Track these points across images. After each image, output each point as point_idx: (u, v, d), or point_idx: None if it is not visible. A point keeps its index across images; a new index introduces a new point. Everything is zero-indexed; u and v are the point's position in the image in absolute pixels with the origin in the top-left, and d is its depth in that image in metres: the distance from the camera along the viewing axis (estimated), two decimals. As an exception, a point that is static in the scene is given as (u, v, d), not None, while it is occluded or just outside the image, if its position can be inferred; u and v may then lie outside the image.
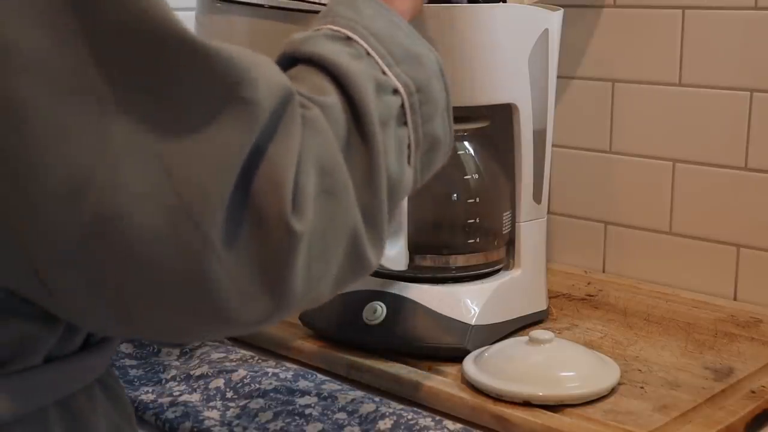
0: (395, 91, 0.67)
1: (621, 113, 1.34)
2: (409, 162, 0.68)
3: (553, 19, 1.10)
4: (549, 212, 1.19)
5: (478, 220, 1.11)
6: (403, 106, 0.68)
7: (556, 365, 0.97)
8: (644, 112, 1.31)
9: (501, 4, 1.07)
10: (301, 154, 0.56)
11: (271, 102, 0.55)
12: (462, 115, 1.11)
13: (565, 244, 1.41)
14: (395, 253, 1.03)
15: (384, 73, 0.67)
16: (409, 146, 0.68)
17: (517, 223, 1.12)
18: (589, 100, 1.36)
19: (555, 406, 0.93)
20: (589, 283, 1.32)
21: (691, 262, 1.29)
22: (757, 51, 1.20)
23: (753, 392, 0.97)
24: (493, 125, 1.11)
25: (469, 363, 0.99)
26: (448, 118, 0.74)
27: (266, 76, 0.55)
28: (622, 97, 1.33)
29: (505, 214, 1.12)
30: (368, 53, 0.67)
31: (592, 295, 1.27)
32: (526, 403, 0.93)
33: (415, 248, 1.06)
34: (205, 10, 0.88)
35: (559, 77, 1.16)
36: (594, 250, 1.39)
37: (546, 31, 1.09)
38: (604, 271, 1.38)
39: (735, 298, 1.26)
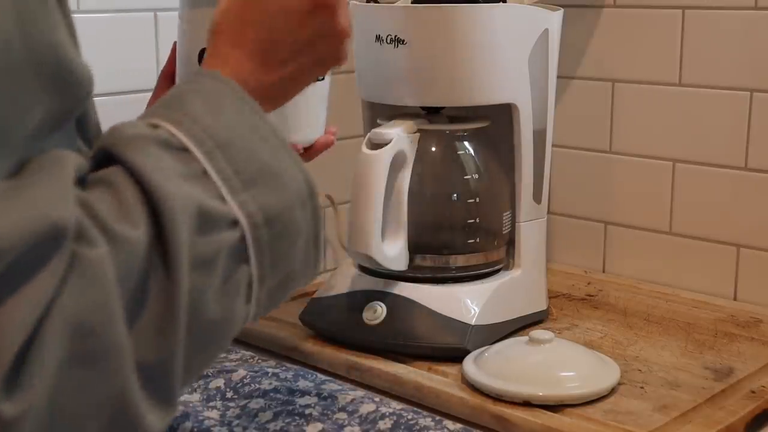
0: (234, 223, 0.57)
1: (621, 113, 1.34)
2: (248, 300, 0.59)
3: (553, 19, 1.10)
4: (549, 212, 1.19)
5: (478, 220, 1.11)
6: (243, 240, 0.57)
7: (556, 365, 0.97)
8: (644, 112, 1.31)
9: (501, 4, 1.07)
10: (51, 310, 0.47)
11: (14, 244, 0.47)
12: (462, 115, 1.11)
13: (565, 244, 1.41)
14: (395, 253, 1.03)
15: (222, 199, 0.57)
16: (250, 284, 0.59)
17: (517, 223, 1.12)
18: (589, 100, 1.36)
19: (555, 406, 0.93)
20: (589, 283, 1.32)
21: (691, 262, 1.29)
22: (757, 51, 1.20)
23: (753, 392, 0.97)
24: (493, 125, 1.11)
25: (469, 363, 0.99)
26: (314, 248, 0.63)
27: (18, 209, 0.47)
28: (622, 97, 1.33)
29: (505, 214, 1.12)
30: (206, 173, 0.56)
31: (592, 295, 1.27)
32: (526, 403, 0.93)
33: (415, 248, 1.06)
34: (189, 4, 0.87)
35: (559, 77, 1.16)
36: (594, 250, 1.39)
37: (546, 31, 1.09)
38: (604, 271, 1.38)
39: (735, 298, 1.26)
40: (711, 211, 1.27)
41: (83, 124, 0.56)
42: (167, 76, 0.91)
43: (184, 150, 0.57)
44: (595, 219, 1.39)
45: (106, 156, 0.56)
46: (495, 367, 0.97)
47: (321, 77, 0.89)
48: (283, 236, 0.60)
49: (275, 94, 0.68)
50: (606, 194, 1.37)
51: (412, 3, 1.09)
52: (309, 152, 0.93)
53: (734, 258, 1.26)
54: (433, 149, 1.11)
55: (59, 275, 0.48)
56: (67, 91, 0.52)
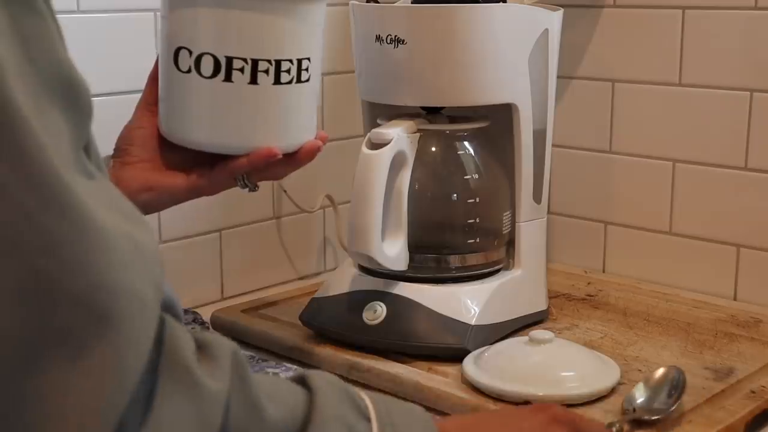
0: None
1: (621, 113, 1.34)
2: None
3: (553, 19, 1.10)
4: (549, 212, 1.19)
5: (478, 220, 1.11)
6: None
7: (556, 365, 0.97)
8: (644, 112, 1.31)
9: (501, 4, 1.07)
10: (148, 410, 0.48)
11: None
12: (462, 115, 1.11)
13: (565, 244, 1.41)
14: (395, 253, 1.03)
15: None
16: None
17: (517, 223, 1.12)
18: (589, 100, 1.36)
19: (555, 406, 0.93)
20: (589, 283, 1.32)
21: (691, 262, 1.29)
22: (757, 51, 1.20)
23: (753, 392, 0.97)
24: (493, 125, 1.11)
25: (469, 363, 0.99)
26: None
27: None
28: (622, 97, 1.33)
29: (505, 214, 1.12)
30: None
31: (592, 295, 1.27)
32: (526, 403, 0.93)
33: (415, 248, 1.06)
34: (167, 4, 0.85)
35: (559, 77, 1.16)
36: (594, 250, 1.39)
37: (546, 31, 1.09)
38: (604, 271, 1.38)
39: (735, 298, 1.26)
40: (711, 211, 1.27)
41: (88, 153, 0.55)
42: (154, 78, 0.91)
43: (367, 418, 0.59)
44: (595, 219, 1.39)
45: (301, 376, 0.60)
46: (495, 367, 0.97)
47: (306, 79, 0.87)
48: None
49: None
50: (606, 194, 1.37)
51: (412, 3, 1.09)
52: (293, 158, 0.89)
53: (734, 258, 1.26)
54: (433, 149, 1.11)
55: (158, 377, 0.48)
56: (79, 108, 0.51)
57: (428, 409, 0.95)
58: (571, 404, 0.93)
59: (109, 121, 1.09)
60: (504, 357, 0.98)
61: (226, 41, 0.83)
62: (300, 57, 0.85)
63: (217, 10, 0.83)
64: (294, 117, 0.87)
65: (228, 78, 0.82)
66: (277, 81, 0.84)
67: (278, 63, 0.84)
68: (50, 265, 0.44)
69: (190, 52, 0.83)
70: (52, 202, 0.45)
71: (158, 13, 1.12)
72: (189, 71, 0.83)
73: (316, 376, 0.60)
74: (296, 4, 0.84)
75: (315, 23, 0.87)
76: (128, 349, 0.46)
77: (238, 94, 0.84)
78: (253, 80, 0.83)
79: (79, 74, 0.51)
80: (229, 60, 0.82)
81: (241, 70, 0.82)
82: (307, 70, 0.86)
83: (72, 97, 0.50)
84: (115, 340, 0.45)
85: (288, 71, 0.84)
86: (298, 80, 0.85)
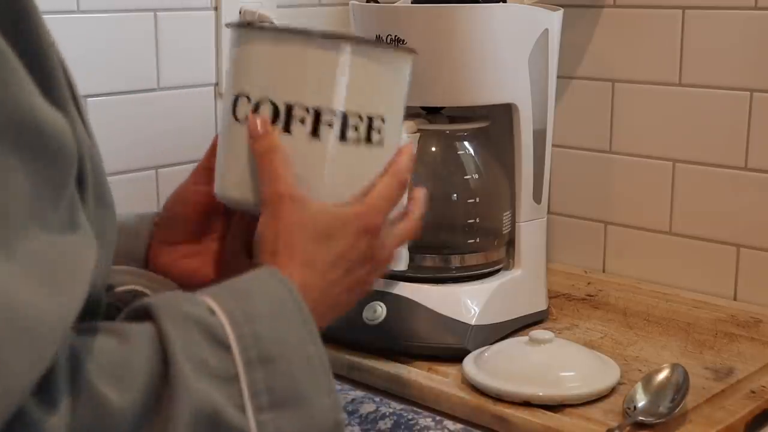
0: None
1: (621, 113, 1.34)
2: None
3: (553, 19, 1.10)
4: (549, 212, 1.19)
5: (478, 220, 1.11)
6: None
7: (556, 365, 0.97)
8: (644, 112, 1.31)
9: (501, 4, 1.07)
10: None
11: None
12: (462, 115, 1.11)
13: (565, 244, 1.41)
14: (395, 254, 1.03)
15: (242, 411, 0.54)
16: None
17: (517, 223, 1.12)
18: (589, 100, 1.36)
19: (555, 406, 0.93)
20: (589, 283, 1.32)
21: (691, 262, 1.29)
22: (757, 51, 1.20)
23: (753, 392, 0.97)
24: (493, 125, 1.11)
25: (469, 363, 0.99)
26: None
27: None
28: (622, 97, 1.33)
29: (505, 214, 1.12)
30: (237, 378, 0.55)
31: (592, 295, 1.27)
32: (526, 403, 0.93)
33: (415, 248, 1.06)
34: (231, 43, 0.78)
35: (559, 77, 1.16)
36: (594, 250, 1.39)
37: (546, 31, 1.09)
38: (604, 271, 1.38)
39: (735, 298, 1.26)
40: (711, 211, 1.27)
41: (82, 189, 0.52)
42: (214, 146, 0.81)
43: (227, 348, 0.55)
44: (595, 219, 1.38)
45: (146, 312, 0.54)
46: (495, 367, 0.97)
47: (377, 141, 0.74)
48: None
49: (328, 307, 0.71)
50: (606, 194, 1.37)
51: (412, 3, 1.09)
52: None
53: (734, 258, 1.26)
54: (433, 149, 1.11)
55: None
56: (46, 150, 0.47)
57: (428, 409, 0.95)
58: (571, 404, 0.93)
59: (109, 122, 1.09)
60: (504, 357, 0.98)
61: (287, 86, 0.72)
62: (371, 114, 0.73)
63: (281, 49, 0.73)
64: (356, 184, 0.74)
65: (287, 128, 0.72)
66: (343, 137, 0.72)
67: (345, 116, 0.72)
68: None
69: (249, 99, 0.73)
70: None
71: (158, 14, 1.11)
72: (246, 120, 0.73)
73: (164, 318, 0.54)
74: (369, 48, 0.74)
75: (395, 77, 0.76)
76: None
77: (297, 148, 0.72)
78: (314, 133, 0.72)
79: (46, 113, 0.47)
80: (289, 108, 0.71)
81: (302, 120, 0.72)
82: (379, 131, 0.74)
83: (32, 140, 0.46)
84: None
85: (356, 128, 0.72)
86: (368, 141, 0.73)
